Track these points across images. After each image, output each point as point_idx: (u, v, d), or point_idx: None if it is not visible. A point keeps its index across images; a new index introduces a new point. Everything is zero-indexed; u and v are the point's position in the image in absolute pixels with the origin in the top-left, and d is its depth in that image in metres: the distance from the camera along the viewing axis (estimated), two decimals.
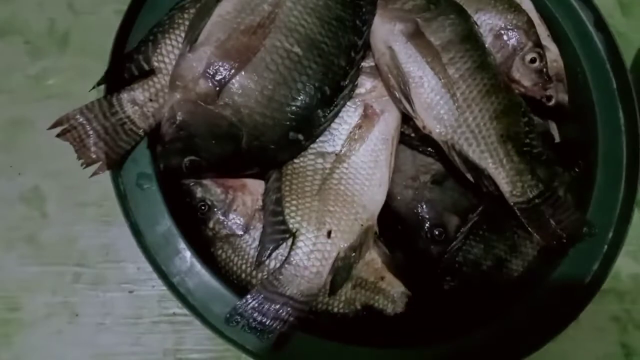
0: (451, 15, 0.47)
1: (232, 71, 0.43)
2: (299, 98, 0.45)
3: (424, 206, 0.49)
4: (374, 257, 0.47)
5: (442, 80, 0.45)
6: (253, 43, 0.43)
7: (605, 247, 0.49)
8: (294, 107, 0.44)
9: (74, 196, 0.53)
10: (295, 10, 0.45)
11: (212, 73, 0.43)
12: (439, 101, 0.45)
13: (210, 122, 0.43)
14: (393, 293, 0.46)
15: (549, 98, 0.54)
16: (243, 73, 0.43)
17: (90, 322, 0.51)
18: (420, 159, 0.50)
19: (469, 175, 0.45)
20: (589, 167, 0.51)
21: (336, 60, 0.46)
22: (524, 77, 0.51)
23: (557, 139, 0.56)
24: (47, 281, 0.51)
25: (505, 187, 0.45)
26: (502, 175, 0.45)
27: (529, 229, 0.45)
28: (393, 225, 0.49)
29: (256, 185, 0.48)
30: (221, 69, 0.43)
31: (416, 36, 0.46)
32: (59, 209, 0.53)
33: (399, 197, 0.49)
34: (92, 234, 0.52)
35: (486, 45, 0.49)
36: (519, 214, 0.45)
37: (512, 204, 0.45)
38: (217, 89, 0.43)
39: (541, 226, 0.45)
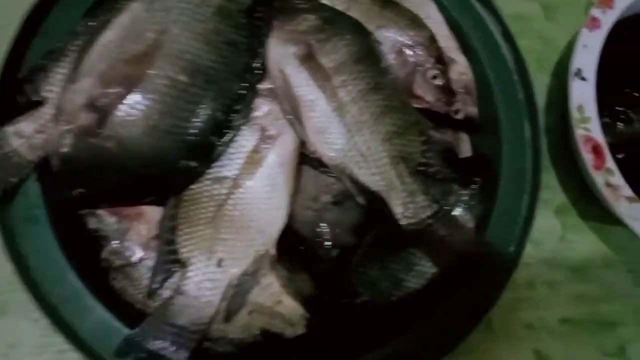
0: (347, 36, 0.47)
1: (114, 103, 0.42)
2: (188, 126, 0.44)
3: (324, 227, 0.49)
4: (271, 282, 0.46)
5: (333, 104, 0.45)
6: (136, 73, 0.43)
7: (506, 261, 0.49)
8: (182, 135, 0.44)
9: None
10: (182, 37, 0.44)
11: (93, 105, 0.42)
12: (329, 125, 0.45)
13: (94, 154, 0.42)
14: (291, 316, 0.46)
15: (457, 111, 0.54)
16: (126, 104, 0.42)
17: None
18: (322, 179, 0.49)
19: (359, 199, 0.45)
20: (493, 181, 0.51)
21: (229, 85, 0.46)
22: (426, 93, 0.51)
23: (470, 152, 0.56)
24: None
25: (397, 209, 0.45)
26: (394, 197, 0.45)
27: (423, 250, 0.45)
28: (295, 246, 0.49)
29: (154, 213, 0.47)
30: (102, 100, 0.42)
31: (308, 59, 0.46)
32: None
33: (299, 218, 0.49)
34: None
35: (387, 63, 0.49)
36: (411, 235, 0.45)
37: (404, 225, 0.45)
38: (99, 121, 0.42)
39: (433, 247, 0.45)
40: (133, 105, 0.42)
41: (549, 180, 0.61)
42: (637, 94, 0.53)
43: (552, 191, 0.61)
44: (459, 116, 0.54)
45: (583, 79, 0.52)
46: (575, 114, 0.51)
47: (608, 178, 0.48)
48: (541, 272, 0.58)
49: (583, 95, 0.52)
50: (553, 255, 0.59)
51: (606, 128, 0.51)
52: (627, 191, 0.49)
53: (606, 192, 0.48)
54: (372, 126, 0.45)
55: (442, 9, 0.55)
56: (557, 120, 0.62)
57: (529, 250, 0.58)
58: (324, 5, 0.49)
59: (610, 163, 0.49)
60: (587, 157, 0.50)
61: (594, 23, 0.53)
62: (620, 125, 0.52)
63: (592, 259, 0.59)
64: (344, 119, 0.45)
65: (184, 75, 0.44)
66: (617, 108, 0.52)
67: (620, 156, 0.53)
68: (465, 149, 0.56)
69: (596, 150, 0.49)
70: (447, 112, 0.53)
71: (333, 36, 0.47)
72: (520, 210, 0.50)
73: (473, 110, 0.54)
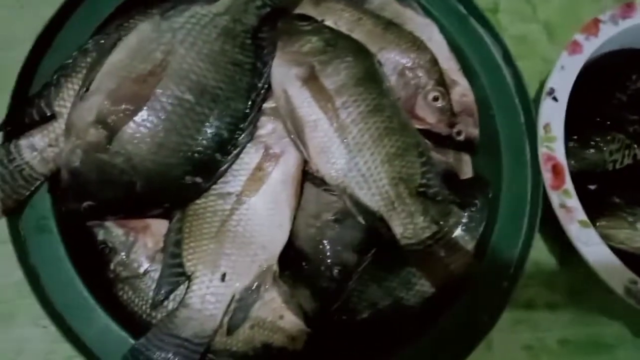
0: (347, 58, 0.48)
1: (122, 120, 0.43)
2: (193, 143, 0.45)
3: (325, 244, 0.49)
4: (273, 297, 0.47)
5: (334, 125, 0.46)
6: (143, 91, 0.44)
7: (506, 283, 0.49)
8: (188, 153, 0.45)
9: None
10: (188, 57, 0.45)
11: (101, 122, 0.43)
12: (331, 146, 0.46)
13: (102, 169, 0.44)
14: (292, 331, 0.47)
15: (459, 133, 0.55)
16: (134, 121, 0.44)
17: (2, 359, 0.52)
18: (324, 197, 0.50)
19: (360, 218, 0.46)
20: (493, 202, 0.52)
21: (234, 104, 0.47)
22: (427, 114, 0.52)
23: (470, 173, 0.57)
24: None
25: (396, 229, 0.46)
26: (394, 217, 0.46)
27: (420, 270, 0.46)
28: (296, 263, 0.50)
29: (159, 226, 0.49)
30: (111, 118, 0.43)
31: (310, 80, 0.47)
32: None
33: (301, 235, 0.50)
34: (5, 272, 0.53)
35: (388, 84, 0.50)
36: (410, 256, 0.46)
37: (404, 245, 0.46)
38: (108, 137, 0.43)
39: (432, 267, 0.46)
40: (140, 122, 0.44)
41: None
42: (608, 124, 0.53)
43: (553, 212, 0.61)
44: (461, 137, 0.55)
45: (555, 99, 0.51)
46: (541, 132, 0.51)
47: (564, 199, 0.48)
48: (541, 294, 0.59)
49: (552, 114, 0.52)
50: (553, 276, 0.60)
51: (573, 152, 0.51)
52: (581, 214, 0.48)
53: (560, 213, 0.48)
54: (372, 147, 0.46)
55: (444, 30, 0.56)
56: None
57: (530, 271, 0.59)
58: (327, 27, 0.51)
59: (568, 185, 0.49)
60: (546, 175, 0.50)
61: (575, 47, 0.53)
62: (589, 152, 0.52)
63: (592, 280, 0.59)
64: (345, 140, 0.46)
65: (190, 95, 0.45)
66: (587, 135, 0.52)
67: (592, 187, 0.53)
68: (466, 170, 0.57)
69: (556, 169, 0.49)
70: (449, 134, 0.54)
71: (335, 58, 0.48)
72: (520, 232, 0.50)
73: (474, 131, 0.55)
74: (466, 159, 0.57)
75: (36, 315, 0.52)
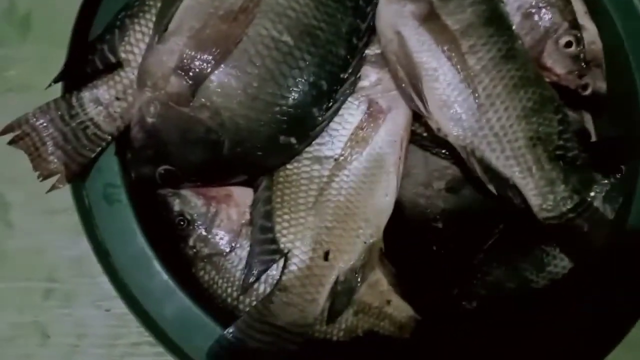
0: None
1: (209, 66, 0.36)
2: (290, 96, 0.38)
3: (437, 218, 0.42)
4: (379, 279, 0.40)
5: (461, 73, 0.38)
6: (234, 31, 0.36)
7: None
8: (284, 107, 0.38)
9: (42, 203, 0.47)
10: None
11: (184, 69, 0.36)
12: (457, 98, 0.38)
13: (185, 127, 0.37)
14: (400, 318, 0.41)
15: (585, 87, 0.47)
16: (222, 68, 0.36)
17: (63, 344, 0.46)
18: (434, 162, 0.43)
19: (491, 186, 0.39)
20: (632, 171, 0.44)
21: (335, 49, 0.39)
22: (557, 63, 0.44)
23: (593, 136, 0.49)
24: (13, 298, 0.46)
25: (533, 199, 0.38)
26: (531, 185, 0.38)
27: (560, 248, 0.39)
28: (402, 240, 0.42)
29: (244, 195, 0.41)
30: (196, 63, 0.36)
31: (430, 19, 0.38)
32: (25, 218, 0.48)
33: (408, 207, 0.43)
34: (63, 245, 0.47)
35: (514, 28, 0.42)
36: (549, 231, 0.38)
37: (541, 219, 0.38)
38: (192, 87, 0.36)
39: (575, 246, 0.39)
40: (230, 70, 0.36)
41: None
42: None
43: None
44: (587, 92, 0.47)
45: None
46: None
47: None
48: None
49: None
50: None
51: None
52: None
53: None
54: (507, 101, 0.38)
55: None
56: None
57: None
58: None
59: None
60: None
61: None
62: None
63: None
64: (475, 92, 0.38)
65: (288, 36, 0.37)
66: None
67: None
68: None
69: None
70: (576, 88, 0.46)
71: None
72: None
73: (602, 86, 0.47)
74: (587, 118, 0.49)
75: (96, 296, 0.47)
